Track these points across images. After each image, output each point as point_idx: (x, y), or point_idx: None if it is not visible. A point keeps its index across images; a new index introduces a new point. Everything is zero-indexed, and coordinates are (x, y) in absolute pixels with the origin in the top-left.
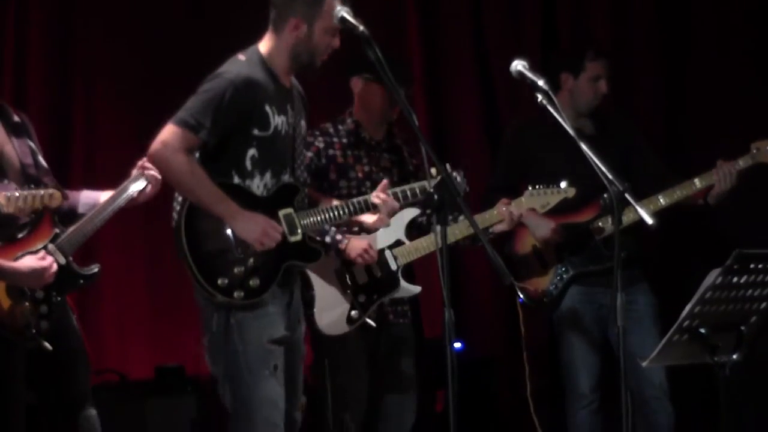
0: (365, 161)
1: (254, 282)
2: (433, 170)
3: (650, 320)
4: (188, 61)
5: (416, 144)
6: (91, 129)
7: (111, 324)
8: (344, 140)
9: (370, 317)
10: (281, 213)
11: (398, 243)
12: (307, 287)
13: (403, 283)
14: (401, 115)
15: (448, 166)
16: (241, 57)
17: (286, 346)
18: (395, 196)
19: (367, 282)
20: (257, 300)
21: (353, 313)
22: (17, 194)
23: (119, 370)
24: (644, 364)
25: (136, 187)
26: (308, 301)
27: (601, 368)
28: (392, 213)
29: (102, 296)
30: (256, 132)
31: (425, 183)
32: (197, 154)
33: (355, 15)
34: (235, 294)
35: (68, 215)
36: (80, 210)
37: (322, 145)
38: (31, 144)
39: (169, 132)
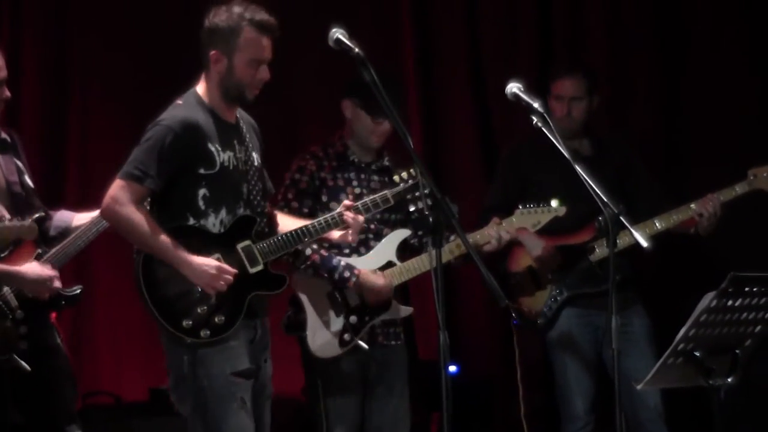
0: (355, 183)
1: (219, 319)
2: (404, 174)
3: (645, 343)
4: (184, 64)
5: (409, 166)
6: (86, 133)
7: (105, 346)
8: (333, 163)
9: (362, 339)
10: (239, 246)
11: (389, 264)
12: (299, 309)
13: (395, 304)
14: (395, 135)
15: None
16: (179, 101)
17: (253, 381)
18: (359, 208)
19: (359, 304)
20: (225, 336)
21: (345, 335)
22: None
23: (113, 392)
24: (639, 386)
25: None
26: (300, 323)
27: (595, 390)
28: (359, 229)
29: (96, 318)
30: (202, 171)
31: (387, 193)
32: (148, 202)
33: (350, 36)
34: (202, 333)
35: (44, 235)
36: (51, 233)
37: (314, 168)
38: (18, 163)
39: (116, 187)
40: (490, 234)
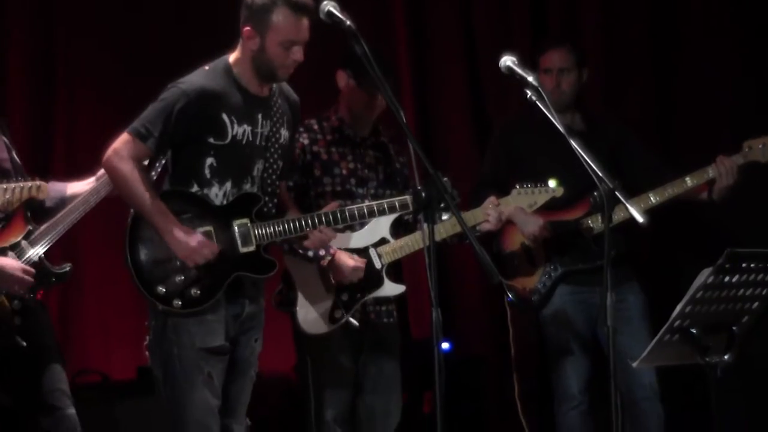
0: (350, 158)
1: (195, 291)
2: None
3: (640, 320)
4: (171, 64)
5: (403, 141)
6: (73, 132)
7: (93, 324)
8: (328, 137)
9: (353, 317)
10: (236, 223)
11: (383, 241)
12: (290, 286)
13: (387, 282)
14: (389, 110)
15: (446, 180)
16: (206, 67)
17: (232, 360)
18: (344, 215)
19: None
20: (196, 310)
21: (336, 312)
22: (4, 186)
23: (101, 371)
24: (634, 364)
25: (107, 189)
26: (291, 300)
27: (590, 369)
28: (324, 244)
29: (85, 295)
30: (211, 141)
31: (374, 205)
32: (164, 162)
33: (342, 9)
34: (174, 302)
35: (36, 210)
36: (48, 204)
37: (306, 142)
38: (5, 140)
39: (120, 140)
40: (490, 214)
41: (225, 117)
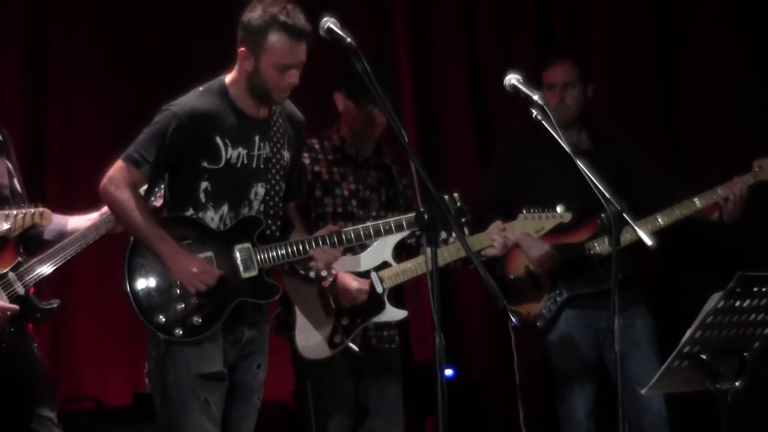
0: (351, 179)
1: (196, 320)
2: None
3: (648, 345)
4: (168, 66)
5: (406, 162)
6: (67, 135)
7: (87, 348)
8: (330, 156)
9: (353, 342)
10: (237, 247)
11: (385, 264)
12: (289, 309)
13: (388, 306)
14: (390, 129)
15: (456, 195)
16: (201, 88)
17: (232, 386)
18: (341, 239)
19: (351, 305)
20: (199, 338)
21: (336, 337)
22: (6, 213)
23: (95, 396)
24: (643, 391)
25: (105, 226)
26: (289, 324)
27: (596, 394)
28: (331, 262)
29: (78, 319)
30: (205, 164)
31: (379, 224)
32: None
33: (343, 26)
34: (175, 331)
35: (33, 241)
36: (46, 236)
37: (307, 161)
38: (9, 165)
39: (115, 167)
40: (495, 240)
41: (218, 140)
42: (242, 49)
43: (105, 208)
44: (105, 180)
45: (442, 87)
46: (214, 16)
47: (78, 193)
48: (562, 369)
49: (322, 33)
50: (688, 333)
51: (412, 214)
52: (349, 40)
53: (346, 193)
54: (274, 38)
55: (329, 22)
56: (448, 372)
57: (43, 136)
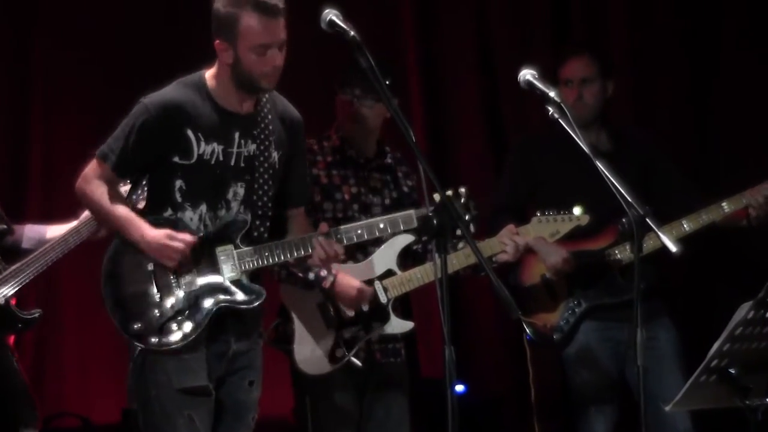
0: (352, 182)
1: (174, 326)
2: (436, 196)
3: (673, 359)
4: (156, 68)
5: (413, 162)
6: (50, 142)
7: (73, 363)
8: (329, 158)
9: (356, 356)
10: (218, 249)
11: (389, 273)
12: (287, 320)
13: (393, 318)
14: (394, 126)
15: (462, 190)
16: (180, 80)
17: (219, 402)
18: (338, 235)
19: (354, 316)
20: (175, 348)
21: (337, 350)
22: None
23: (82, 414)
24: (667, 408)
25: (87, 230)
26: (287, 336)
27: (617, 411)
28: (333, 257)
29: (64, 333)
30: (176, 160)
31: (383, 221)
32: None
33: (345, 17)
34: (151, 340)
35: (11, 250)
36: (24, 245)
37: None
38: None
39: (90, 164)
40: (507, 244)
41: (190, 133)
42: (217, 41)
43: (86, 212)
44: (79, 178)
45: (451, 82)
46: (201, 15)
47: (61, 198)
48: (581, 385)
49: (323, 26)
50: (716, 345)
51: (409, 211)
52: (352, 33)
53: (346, 197)
54: (247, 20)
55: (331, 14)
56: (459, 388)
57: (26, 140)
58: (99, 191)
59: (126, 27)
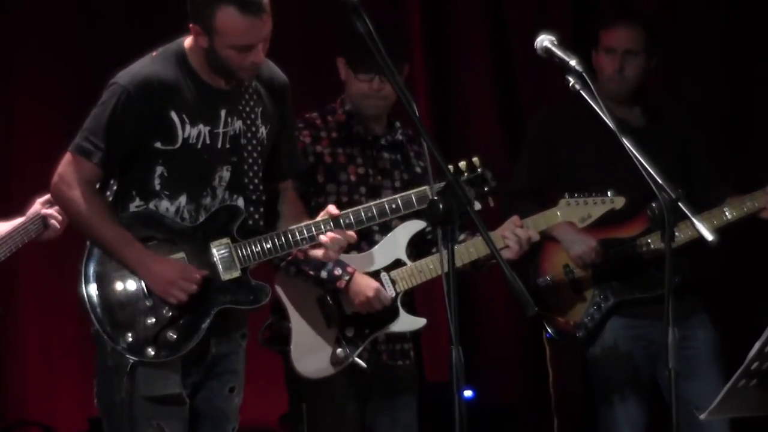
0: (359, 161)
1: (170, 335)
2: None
3: (710, 361)
4: (122, 55)
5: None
6: (10, 134)
7: (36, 370)
8: (333, 134)
9: (360, 357)
10: (214, 245)
11: (398, 263)
12: (282, 318)
13: (403, 314)
14: (400, 103)
15: (475, 159)
16: (153, 53)
17: (195, 411)
18: (345, 221)
19: (358, 312)
20: (176, 357)
21: (339, 351)
22: None
23: (45, 423)
24: (702, 416)
25: (35, 228)
26: (283, 335)
27: (647, 419)
28: (344, 247)
29: (25, 338)
30: (159, 145)
31: (397, 198)
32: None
33: None
34: (147, 351)
35: None
36: None
37: (308, 140)
38: None
39: (64, 162)
40: (508, 238)
41: (174, 116)
42: (192, 26)
43: (32, 211)
44: (55, 178)
45: (460, 54)
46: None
47: (22, 194)
48: (607, 388)
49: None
50: (756, 346)
51: (423, 188)
52: None
53: (352, 178)
54: (223, 16)
55: None
56: (468, 393)
57: None
58: (84, 200)
59: (94, 24)
